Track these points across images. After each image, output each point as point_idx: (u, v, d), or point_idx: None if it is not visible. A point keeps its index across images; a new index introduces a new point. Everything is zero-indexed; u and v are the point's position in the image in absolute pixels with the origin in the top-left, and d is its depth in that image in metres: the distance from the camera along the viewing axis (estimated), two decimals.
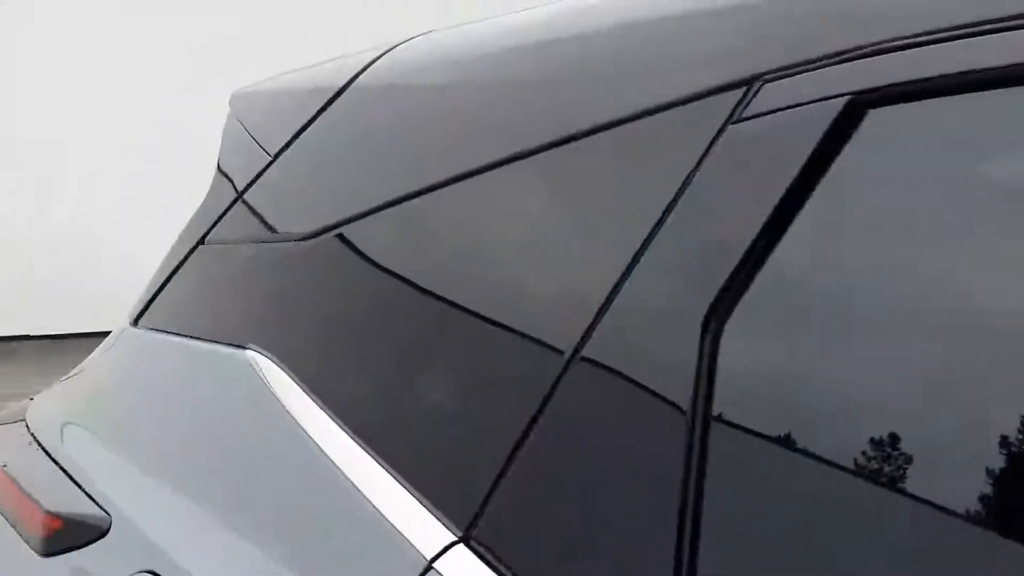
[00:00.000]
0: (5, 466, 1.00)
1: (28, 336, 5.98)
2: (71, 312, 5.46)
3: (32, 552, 0.89)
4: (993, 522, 0.41)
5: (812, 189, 0.49)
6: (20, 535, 0.92)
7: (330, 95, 0.83)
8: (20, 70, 5.89)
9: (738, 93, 0.52)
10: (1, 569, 0.94)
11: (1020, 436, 0.41)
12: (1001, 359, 0.43)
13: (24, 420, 1.09)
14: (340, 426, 0.67)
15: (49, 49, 5.84)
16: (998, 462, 0.42)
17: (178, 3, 5.87)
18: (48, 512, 0.89)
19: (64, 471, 0.95)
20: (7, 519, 0.96)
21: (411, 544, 0.60)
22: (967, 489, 0.43)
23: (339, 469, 0.65)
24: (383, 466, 0.63)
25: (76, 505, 0.88)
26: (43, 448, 1.01)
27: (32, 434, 1.05)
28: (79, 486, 0.91)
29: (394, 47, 0.81)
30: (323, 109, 0.83)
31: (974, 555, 0.42)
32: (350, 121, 0.81)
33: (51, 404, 1.09)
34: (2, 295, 5.94)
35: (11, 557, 0.92)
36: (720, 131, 0.52)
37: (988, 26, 0.46)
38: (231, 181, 0.96)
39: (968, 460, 0.43)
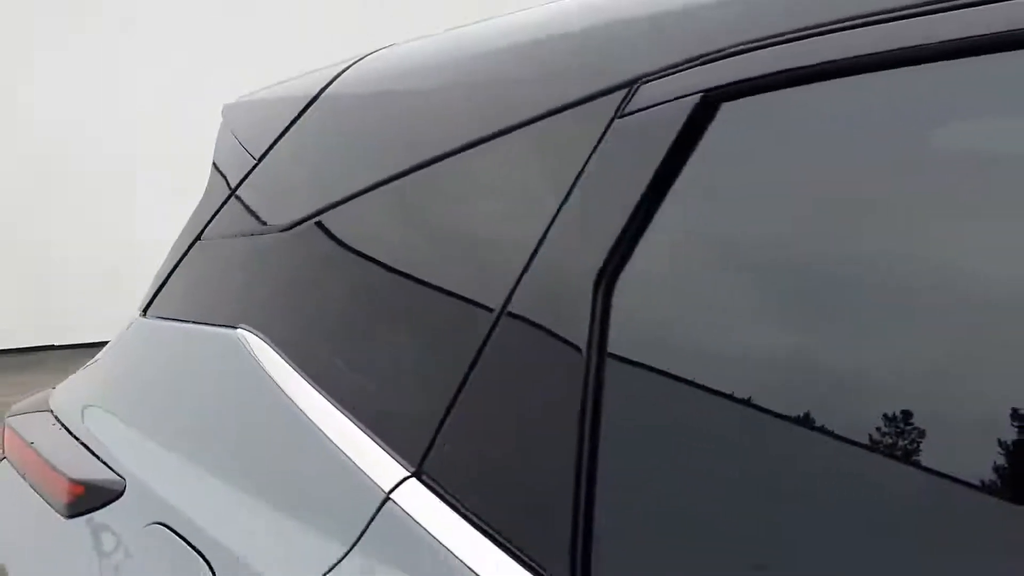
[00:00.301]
0: (33, 443, 1.12)
1: (53, 346, 6.15)
2: (97, 321, 5.61)
3: (58, 516, 1.01)
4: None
5: (677, 170, 0.60)
6: (47, 502, 1.04)
7: (304, 104, 0.95)
8: (83, 96, 6.05)
9: (623, 92, 0.64)
10: (31, 532, 1.06)
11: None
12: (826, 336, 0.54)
13: (49, 407, 1.22)
14: (313, 386, 0.79)
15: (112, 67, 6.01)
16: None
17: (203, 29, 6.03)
18: (71, 480, 1.01)
19: (84, 445, 1.07)
20: (35, 489, 1.08)
21: (372, 480, 0.71)
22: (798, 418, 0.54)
23: (312, 422, 0.77)
24: (348, 417, 0.75)
25: (95, 473, 1.00)
26: (65, 427, 1.13)
27: (56, 416, 1.17)
28: (97, 457, 1.03)
29: (358, 60, 0.93)
30: (298, 116, 0.95)
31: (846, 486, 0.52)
32: (321, 126, 0.93)
33: (71, 390, 1.21)
34: (29, 305, 6.13)
35: (40, 521, 1.04)
36: (609, 125, 0.63)
37: (810, 31, 0.57)
38: (225, 182, 1.08)
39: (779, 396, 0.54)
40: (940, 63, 0.52)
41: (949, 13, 0.50)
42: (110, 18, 6.07)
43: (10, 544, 1.09)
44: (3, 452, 1.21)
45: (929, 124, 0.56)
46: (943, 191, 0.53)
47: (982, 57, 0.51)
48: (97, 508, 0.98)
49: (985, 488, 0.46)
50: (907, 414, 0.49)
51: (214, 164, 1.11)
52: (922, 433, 0.49)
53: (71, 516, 1.00)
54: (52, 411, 1.18)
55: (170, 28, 6.08)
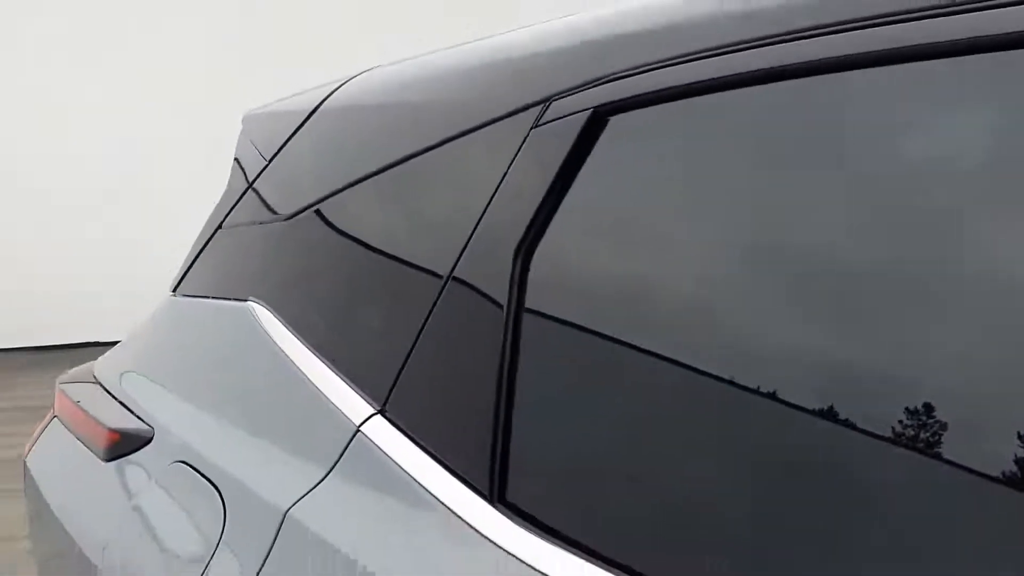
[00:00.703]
0: (79, 402, 1.31)
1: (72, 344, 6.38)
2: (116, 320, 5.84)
3: (99, 460, 1.21)
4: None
5: (576, 168, 0.77)
6: (90, 449, 1.24)
7: (306, 115, 1.13)
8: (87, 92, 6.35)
9: (540, 107, 0.81)
10: (76, 473, 1.25)
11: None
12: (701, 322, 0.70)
13: (92, 373, 1.42)
14: (303, 343, 0.97)
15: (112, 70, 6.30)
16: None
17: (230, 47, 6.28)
18: (110, 430, 1.20)
19: (120, 403, 1.26)
20: (80, 439, 1.27)
21: (346, 416, 0.89)
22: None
23: (301, 371, 0.95)
24: (329, 366, 0.93)
25: (129, 423, 1.19)
26: (106, 389, 1.33)
27: (98, 381, 1.36)
28: (131, 411, 1.22)
29: (348, 80, 1.11)
30: (301, 125, 1.13)
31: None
32: (318, 133, 1.12)
33: (111, 359, 1.41)
34: (52, 305, 6.41)
35: (84, 464, 1.23)
36: (529, 132, 0.81)
37: (681, 59, 0.73)
38: (244, 178, 1.27)
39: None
40: (789, 82, 0.67)
41: (794, 43, 0.65)
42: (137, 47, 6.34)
43: (60, 485, 1.29)
44: (55, 412, 1.41)
45: (777, 134, 0.72)
46: (791, 188, 0.68)
47: (829, 76, 0.65)
48: (131, 452, 1.17)
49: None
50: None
51: (235, 161, 1.30)
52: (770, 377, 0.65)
53: (109, 460, 1.19)
54: (95, 376, 1.38)
55: (193, 53, 6.34)
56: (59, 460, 1.31)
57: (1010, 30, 0.54)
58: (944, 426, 0.54)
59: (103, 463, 1.20)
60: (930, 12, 0.58)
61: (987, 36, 0.55)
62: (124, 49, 6.34)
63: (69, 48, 6.36)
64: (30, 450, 1.40)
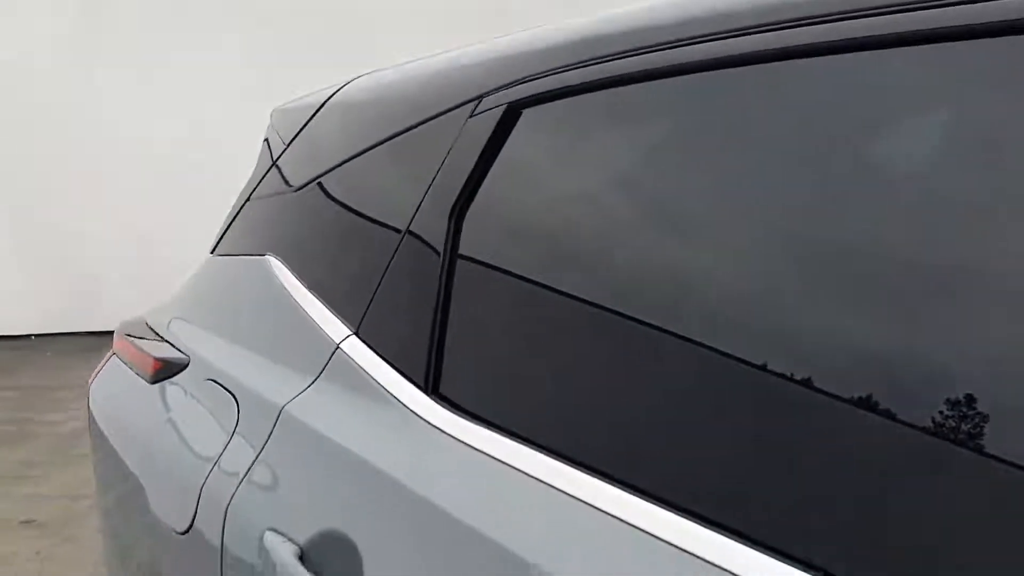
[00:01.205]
0: (133, 341, 1.62)
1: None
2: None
3: (146, 383, 1.51)
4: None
5: (494, 153, 1.04)
6: (139, 375, 1.54)
7: (315, 110, 1.43)
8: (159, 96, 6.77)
9: (474, 103, 1.08)
10: (130, 394, 1.55)
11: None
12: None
13: (143, 319, 1.72)
14: (302, 284, 1.26)
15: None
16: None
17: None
18: (155, 358, 1.50)
19: (165, 339, 1.56)
20: (132, 368, 1.58)
21: (328, 336, 1.18)
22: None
23: (300, 305, 1.24)
24: (320, 300, 1.22)
25: (170, 354, 1.49)
26: (154, 331, 1.63)
27: (148, 325, 1.67)
28: (173, 345, 1.52)
29: (346, 83, 1.40)
30: (311, 118, 1.43)
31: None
32: (322, 124, 1.41)
33: (160, 308, 1.71)
34: (109, 295, 6.82)
35: (135, 386, 1.53)
36: (464, 123, 1.08)
37: (571, 66, 1.00)
38: (270, 158, 1.56)
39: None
40: (658, 82, 0.91)
41: (661, 52, 0.90)
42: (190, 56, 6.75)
43: (116, 403, 1.59)
44: (113, 350, 1.72)
45: (642, 123, 0.98)
46: (668, 176, 0.93)
47: (701, 75, 0.88)
48: (171, 376, 1.47)
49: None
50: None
51: (264, 143, 1.60)
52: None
53: (154, 382, 1.49)
54: (147, 322, 1.69)
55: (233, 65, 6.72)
56: (115, 385, 1.62)
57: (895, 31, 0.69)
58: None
59: (149, 385, 1.50)
60: (794, 22, 0.79)
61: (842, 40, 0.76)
62: (183, 65, 6.75)
63: (140, 57, 6.78)
64: (92, 380, 1.72)
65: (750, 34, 0.80)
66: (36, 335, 7.16)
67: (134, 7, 6.76)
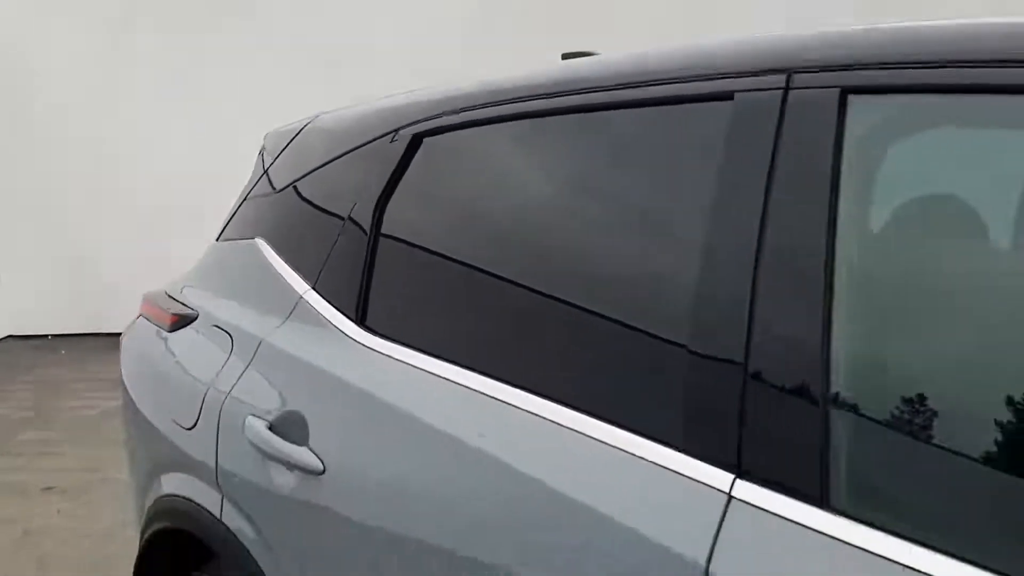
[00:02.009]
0: (156, 303, 2.16)
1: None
2: None
3: (165, 332, 2.05)
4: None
5: (404, 168, 1.59)
6: (160, 327, 2.08)
7: (295, 134, 1.98)
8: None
9: (392, 134, 1.63)
10: (154, 339, 2.09)
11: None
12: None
13: (163, 288, 2.26)
14: (279, 255, 1.80)
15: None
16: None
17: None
18: (172, 314, 2.04)
19: (179, 301, 2.10)
20: (153, 322, 2.12)
21: (294, 289, 1.72)
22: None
23: (276, 270, 1.78)
24: (290, 266, 1.76)
25: (183, 310, 2.03)
26: (171, 296, 2.17)
27: (167, 294, 2.21)
28: (185, 304, 2.06)
29: (319, 115, 1.96)
30: (292, 139, 1.98)
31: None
32: (299, 144, 1.96)
33: (176, 281, 2.25)
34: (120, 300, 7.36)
35: (158, 335, 2.07)
36: (387, 147, 1.63)
37: (455, 111, 1.55)
38: (262, 168, 2.11)
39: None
40: (507, 124, 1.47)
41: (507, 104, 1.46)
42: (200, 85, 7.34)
43: (144, 347, 2.13)
44: (140, 312, 2.26)
45: (514, 163, 1.53)
46: (521, 199, 1.49)
47: (537, 120, 1.44)
48: (185, 325, 2.00)
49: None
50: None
51: (259, 157, 2.15)
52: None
53: (171, 331, 2.03)
54: (165, 291, 2.23)
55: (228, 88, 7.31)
56: (142, 336, 2.16)
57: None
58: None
59: (168, 333, 2.04)
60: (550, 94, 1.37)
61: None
62: (199, 100, 7.34)
63: (154, 81, 7.38)
64: (124, 335, 2.26)
65: (565, 95, 1.37)
66: (52, 335, 7.70)
67: (156, 51, 7.36)
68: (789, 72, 1.07)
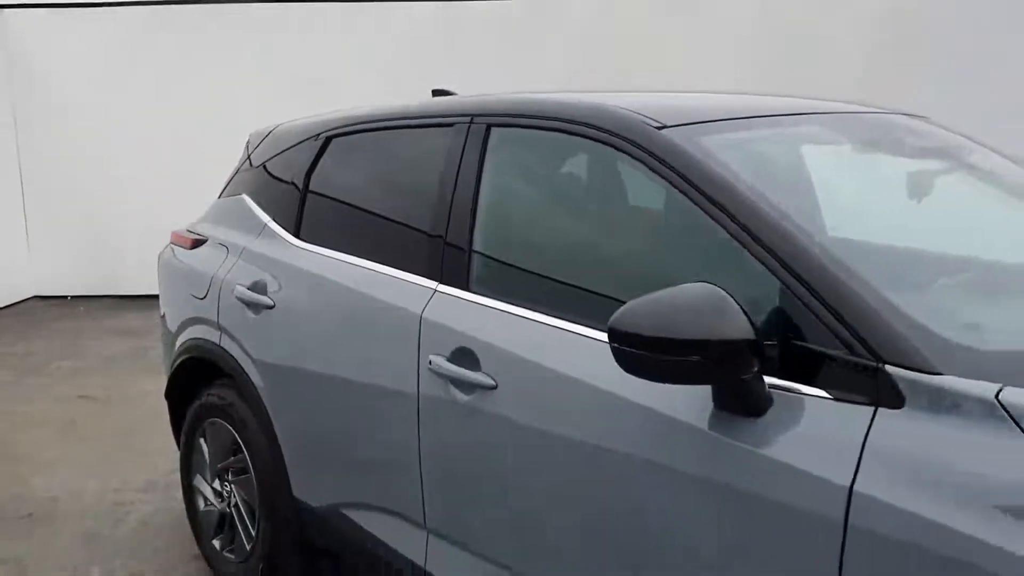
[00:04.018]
0: (180, 233, 3.59)
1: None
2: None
3: (186, 250, 3.48)
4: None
5: (321, 155, 3.02)
6: (181, 247, 3.51)
7: (267, 134, 3.40)
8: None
9: (315, 136, 3.06)
10: (179, 255, 3.51)
11: None
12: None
13: (186, 228, 3.68)
14: (255, 203, 3.22)
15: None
16: None
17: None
18: (192, 238, 3.47)
19: (195, 232, 3.52)
20: (179, 245, 3.55)
21: (263, 221, 3.14)
22: None
23: (254, 211, 3.20)
24: (261, 208, 3.18)
25: (198, 237, 3.45)
26: (190, 231, 3.59)
27: (188, 229, 3.63)
28: (199, 234, 3.48)
29: (281, 123, 3.37)
30: (264, 138, 3.40)
31: None
32: (268, 141, 3.38)
33: (194, 223, 3.67)
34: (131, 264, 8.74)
35: (183, 252, 3.50)
36: (313, 144, 3.05)
37: (355, 123, 2.97)
38: (247, 156, 3.53)
39: None
40: (386, 132, 2.87)
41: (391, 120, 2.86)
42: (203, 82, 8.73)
43: (173, 260, 3.56)
44: (170, 241, 3.68)
45: (379, 152, 2.95)
46: (387, 172, 2.91)
47: (390, 132, 2.85)
48: (199, 245, 3.43)
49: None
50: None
51: (245, 147, 3.56)
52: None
53: (191, 249, 3.46)
54: (187, 228, 3.64)
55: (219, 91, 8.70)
56: (171, 254, 3.59)
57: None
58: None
59: (188, 251, 3.46)
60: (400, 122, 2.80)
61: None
62: (199, 92, 8.72)
63: (158, 88, 8.76)
64: (159, 254, 3.68)
65: (403, 118, 2.80)
66: (72, 296, 9.08)
67: (162, 61, 8.74)
68: (472, 116, 2.50)
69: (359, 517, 2.62)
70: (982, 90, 7.57)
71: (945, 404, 1.49)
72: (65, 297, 9.09)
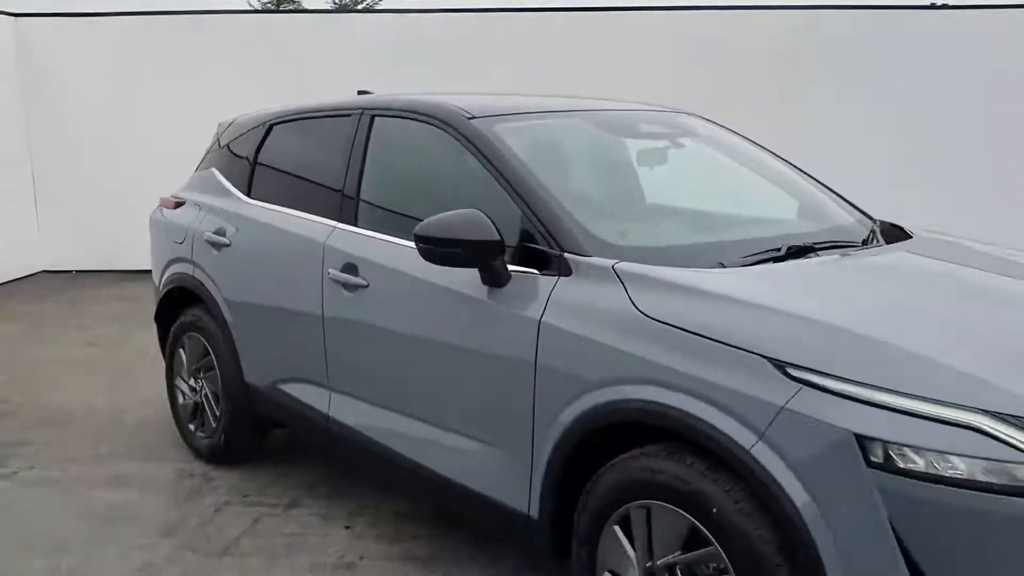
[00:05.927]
0: (166, 197, 4.75)
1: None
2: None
3: (171, 209, 4.66)
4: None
5: (266, 138, 4.18)
6: (168, 208, 4.67)
7: (231, 122, 4.56)
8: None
9: (263, 124, 4.22)
10: (166, 213, 4.67)
11: None
12: None
13: (172, 194, 4.83)
14: (221, 174, 4.38)
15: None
16: None
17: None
18: (174, 201, 4.64)
19: (177, 196, 4.68)
20: (165, 208, 4.72)
21: (226, 187, 4.30)
22: None
23: (220, 181, 4.36)
24: (224, 176, 4.34)
25: (179, 200, 4.61)
26: (174, 196, 4.75)
27: (172, 195, 4.79)
28: (179, 198, 4.64)
29: (242, 114, 4.52)
30: (228, 126, 4.57)
31: None
32: (231, 128, 4.53)
33: (178, 190, 4.82)
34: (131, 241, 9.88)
35: (168, 212, 4.66)
36: (261, 130, 4.21)
37: (297, 114, 4.13)
38: (217, 141, 4.68)
39: None
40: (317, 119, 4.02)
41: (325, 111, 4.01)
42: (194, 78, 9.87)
43: (161, 217, 4.73)
44: (160, 203, 4.84)
45: (307, 137, 4.10)
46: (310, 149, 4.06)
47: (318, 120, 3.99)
48: (179, 206, 4.60)
49: None
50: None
51: (215, 134, 4.72)
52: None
53: (173, 208, 4.63)
54: (172, 194, 4.80)
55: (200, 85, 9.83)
56: (159, 213, 4.75)
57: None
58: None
59: (171, 210, 4.63)
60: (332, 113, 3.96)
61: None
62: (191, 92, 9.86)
63: (152, 90, 9.90)
64: (151, 214, 4.84)
65: (324, 110, 3.96)
66: (76, 271, 10.21)
67: (158, 51, 9.88)
68: (363, 109, 3.66)
69: (289, 388, 3.79)
70: (867, 98, 8.80)
71: (592, 273, 2.65)
72: (70, 272, 10.22)
